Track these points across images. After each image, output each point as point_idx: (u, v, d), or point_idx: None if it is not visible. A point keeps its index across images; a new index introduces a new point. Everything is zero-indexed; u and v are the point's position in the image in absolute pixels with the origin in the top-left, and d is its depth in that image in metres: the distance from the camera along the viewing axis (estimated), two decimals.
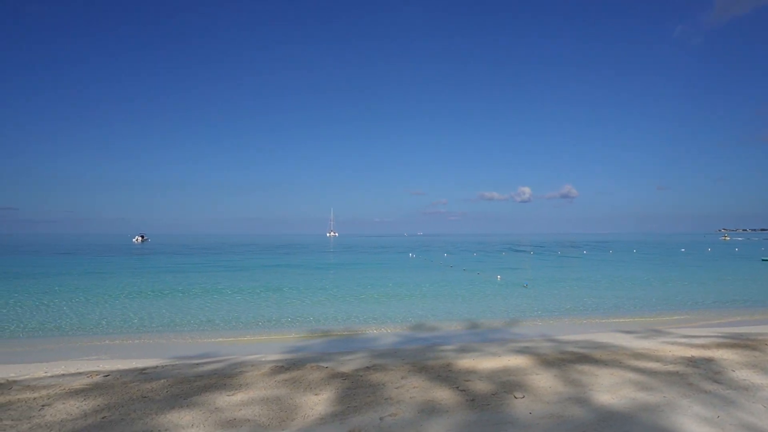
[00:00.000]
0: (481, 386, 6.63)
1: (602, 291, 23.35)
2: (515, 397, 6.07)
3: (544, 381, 6.87)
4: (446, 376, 7.27)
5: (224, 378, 7.38)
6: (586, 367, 7.67)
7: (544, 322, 15.35)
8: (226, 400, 6.16)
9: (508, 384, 6.73)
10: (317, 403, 6.04)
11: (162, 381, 7.26)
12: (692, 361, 7.98)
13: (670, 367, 7.56)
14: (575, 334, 12.56)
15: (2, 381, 7.54)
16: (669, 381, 6.73)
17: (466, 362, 8.23)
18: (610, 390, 6.33)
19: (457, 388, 6.56)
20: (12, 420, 5.49)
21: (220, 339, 13.06)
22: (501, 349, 9.76)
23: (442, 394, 6.26)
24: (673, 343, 9.99)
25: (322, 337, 13.21)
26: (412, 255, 60.54)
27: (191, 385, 6.97)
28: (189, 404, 6.03)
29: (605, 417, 5.32)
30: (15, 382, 7.48)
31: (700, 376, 7.00)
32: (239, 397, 6.31)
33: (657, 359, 8.25)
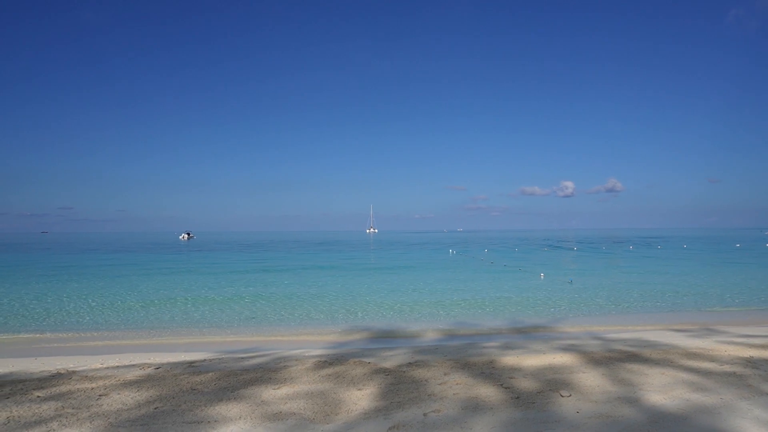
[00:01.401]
0: (525, 384, 6.53)
1: (650, 288, 22.58)
2: (561, 396, 5.94)
3: (592, 379, 6.70)
4: (489, 373, 7.19)
5: (269, 372, 7.53)
6: (635, 366, 7.44)
7: (590, 320, 14.98)
8: (272, 394, 6.28)
9: (553, 382, 6.60)
10: (360, 398, 6.08)
11: (210, 374, 7.47)
12: (751, 362, 7.62)
13: (727, 368, 7.24)
14: (623, 332, 12.20)
15: (63, 371, 7.93)
16: (726, 382, 6.45)
17: (510, 359, 8.12)
18: (661, 390, 6.11)
19: (501, 385, 6.48)
20: (73, 408, 5.76)
21: (264, 335, 13.33)
22: (545, 346, 9.58)
23: (486, 391, 6.20)
24: (729, 343, 9.56)
25: (363, 333, 13.29)
26: (452, 251, 60.14)
27: (238, 379, 7.13)
28: (236, 397, 6.18)
29: (657, 418, 5.15)
30: (74, 372, 7.84)
31: (760, 377, 6.67)
32: (284, 390, 6.42)
33: (712, 359, 7.91)
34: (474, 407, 5.60)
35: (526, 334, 12.57)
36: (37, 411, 5.68)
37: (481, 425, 5.05)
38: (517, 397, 5.92)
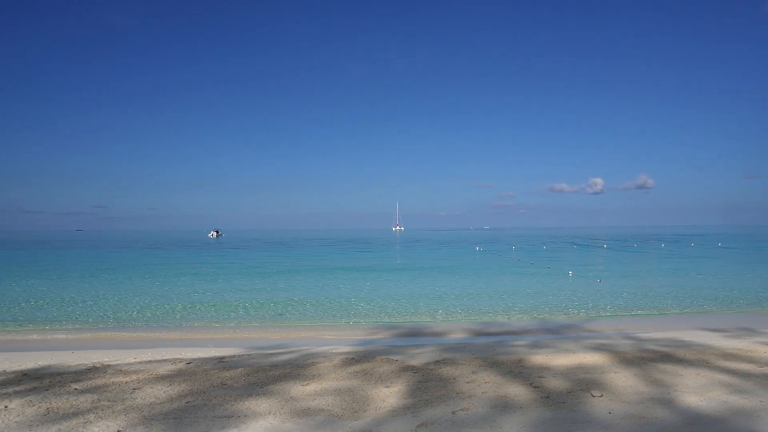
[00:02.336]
0: (555, 383, 6.43)
1: (684, 287, 22.02)
2: (593, 396, 5.84)
3: (624, 380, 6.57)
4: (518, 372, 7.11)
5: (297, 368, 7.59)
6: (669, 367, 7.26)
7: (620, 319, 14.70)
8: (300, 390, 6.33)
9: (584, 382, 6.49)
10: (388, 395, 6.08)
11: (239, 369, 7.57)
12: None
13: (766, 369, 7.01)
14: (655, 331, 11.92)
15: (98, 365, 8.15)
16: (765, 384, 6.24)
17: (539, 358, 8.02)
18: (697, 391, 5.95)
19: (531, 384, 6.40)
20: (108, 401, 5.91)
21: (291, 332, 13.47)
22: (575, 345, 9.43)
23: (515, 390, 6.13)
24: None
25: (390, 330, 13.30)
26: (479, 248, 59.74)
27: (267, 375, 7.22)
28: (265, 392, 6.25)
29: (693, 420, 5.01)
30: (109, 366, 8.05)
31: None
32: (312, 387, 6.47)
33: (750, 360, 7.67)
34: (503, 406, 5.54)
35: (554, 333, 12.40)
36: (74, 403, 5.85)
37: (511, 424, 5.00)
38: (547, 397, 5.84)
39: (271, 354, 9.16)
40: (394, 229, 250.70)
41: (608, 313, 15.65)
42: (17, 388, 6.60)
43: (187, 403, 5.85)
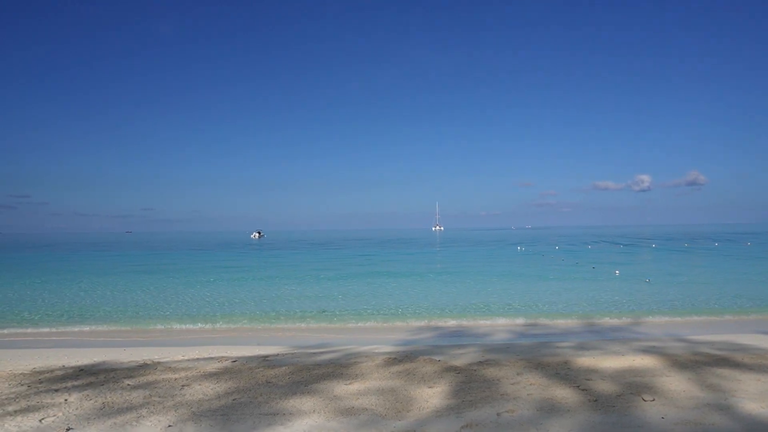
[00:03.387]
0: (604, 386, 6.25)
1: (739, 288, 21.02)
2: (644, 400, 5.64)
3: (677, 384, 6.32)
4: (565, 374, 6.95)
5: (340, 368, 7.65)
6: (726, 371, 6.94)
7: (671, 321, 14.15)
8: (344, 389, 6.37)
9: (634, 385, 6.28)
10: (432, 395, 6.05)
11: (283, 368, 7.69)
12: None
13: None
14: (709, 333, 11.43)
15: (149, 362, 8.43)
16: None
17: (586, 360, 7.81)
18: (758, 398, 5.66)
19: (578, 387, 6.24)
20: (159, 397, 6.11)
21: (333, 332, 13.59)
22: (624, 347, 9.14)
23: (562, 393, 5.99)
24: None
25: (432, 331, 13.24)
26: (521, 248, 58.75)
27: (310, 373, 7.30)
28: (309, 391, 6.32)
29: (753, 427, 4.77)
30: (159, 363, 8.32)
31: None
32: (356, 386, 6.50)
33: None
34: (550, 408, 5.42)
35: (601, 335, 12.05)
36: (127, 398, 6.07)
37: (558, 427, 4.88)
38: (596, 400, 5.68)
39: (314, 353, 9.26)
40: (433, 228, 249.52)
41: (658, 315, 15.09)
42: (75, 383, 6.90)
43: (233, 400, 5.98)
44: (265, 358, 8.77)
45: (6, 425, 5.13)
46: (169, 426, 5.10)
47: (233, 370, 7.69)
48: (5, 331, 13.75)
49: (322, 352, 9.31)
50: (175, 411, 5.56)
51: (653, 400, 5.65)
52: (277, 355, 9.10)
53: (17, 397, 6.15)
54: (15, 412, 5.56)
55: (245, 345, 11.01)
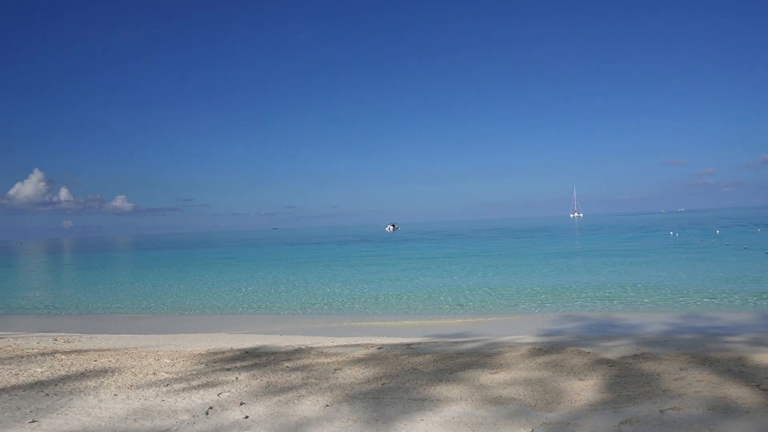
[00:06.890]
0: None
1: None
2: None
3: None
4: (739, 371, 6.19)
5: (484, 357, 7.60)
6: None
7: None
8: (489, 378, 6.32)
9: None
10: (583, 388, 5.76)
11: (427, 356, 7.84)
12: None
13: None
14: None
15: (303, 347, 9.12)
16: None
17: (766, 357, 6.88)
18: None
19: (758, 386, 5.52)
20: (315, 378, 6.58)
21: (472, 321, 13.54)
22: None
23: (738, 392, 5.35)
24: None
25: (576, 321, 12.61)
26: (673, 233, 53.40)
27: (454, 362, 7.35)
28: (454, 379, 6.37)
29: None
30: (312, 348, 8.96)
31: None
32: (501, 376, 6.42)
33: None
34: (723, 408, 4.88)
35: None
36: (288, 379, 6.62)
37: (735, 430, 4.37)
38: None
39: (455, 342, 9.31)
40: (572, 215, 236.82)
41: None
42: (243, 363, 7.70)
43: (383, 384, 6.23)
44: (408, 345, 9.01)
45: (192, 397, 5.88)
46: (327, 405, 5.46)
47: (379, 356, 8.01)
48: (187, 316, 15.84)
49: (463, 341, 9.33)
50: (331, 392, 5.94)
51: None
52: (420, 343, 9.30)
53: (198, 374, 7.02)
54: (198, 386, 6.36)
55: (387, 334, 11.41)
